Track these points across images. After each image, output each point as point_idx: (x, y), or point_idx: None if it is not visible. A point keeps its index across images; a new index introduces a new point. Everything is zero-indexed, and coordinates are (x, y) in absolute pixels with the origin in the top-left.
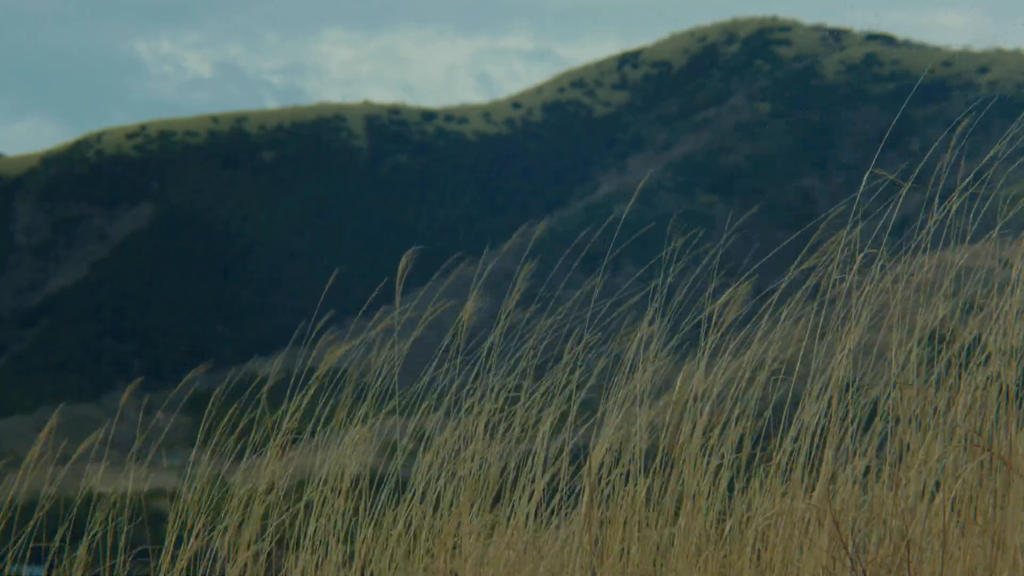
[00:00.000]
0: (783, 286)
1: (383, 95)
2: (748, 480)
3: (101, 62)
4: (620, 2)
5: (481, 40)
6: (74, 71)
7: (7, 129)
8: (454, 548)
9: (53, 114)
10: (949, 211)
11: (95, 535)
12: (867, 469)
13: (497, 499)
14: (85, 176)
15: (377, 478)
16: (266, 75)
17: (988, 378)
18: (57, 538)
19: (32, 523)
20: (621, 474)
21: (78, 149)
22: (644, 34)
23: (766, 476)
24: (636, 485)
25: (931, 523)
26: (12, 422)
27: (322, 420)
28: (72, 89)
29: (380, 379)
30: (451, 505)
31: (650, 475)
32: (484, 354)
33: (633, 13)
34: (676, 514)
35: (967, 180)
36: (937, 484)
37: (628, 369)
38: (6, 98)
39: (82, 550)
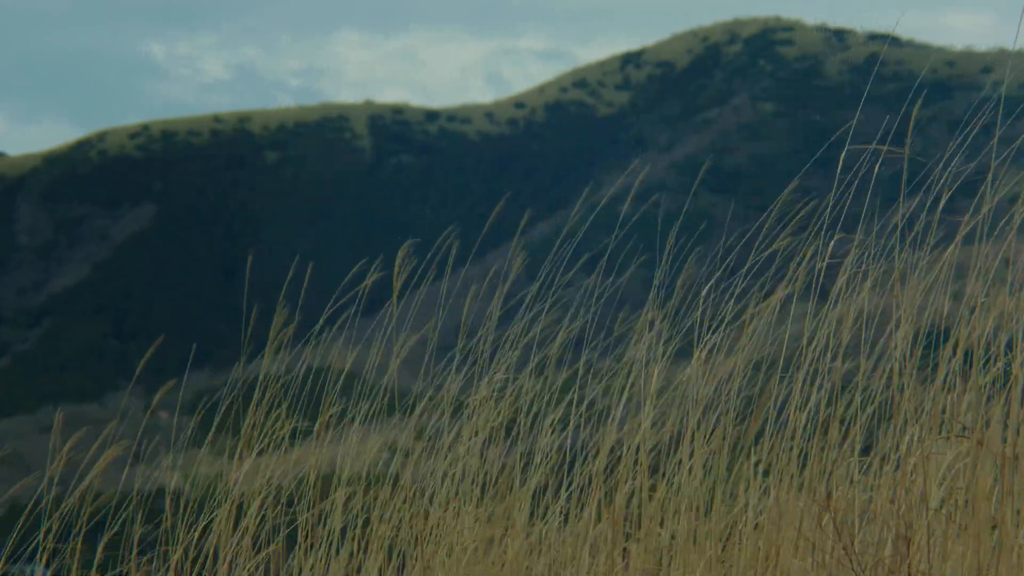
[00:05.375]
0: (783, 284)
1: (399, 97)
2: (748, 479)
3: (116, 64)
4: (630, 2)
5: (496, 41)
6: (88, 73)
7: (21, 131)
8: (454, 547)
9: (67, 116)
10: (946, 210)
11: (99, 535)
12: (867, 468)
13: (499, 497)
14: (88, 176)
15: (389, 478)
16: (283, 77)
17: (989, 376)
18: (43, 536)
19: (34, 522)
20: (624, 472)
21: (80, 149)
22: (652, 34)
23: (766, 475)
24: (640, 483)
25: (931, 521)
26: (14, 422)
27: (327, 419)
28: (86, 91)
29: (386, 378)
30: (449, 504)
31: (652, 474)
32: (484, 354)
33: (640, 13)
34: (677, 512)
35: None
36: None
37: (630, 368)
38: (20, 100)
39: (80, 549)
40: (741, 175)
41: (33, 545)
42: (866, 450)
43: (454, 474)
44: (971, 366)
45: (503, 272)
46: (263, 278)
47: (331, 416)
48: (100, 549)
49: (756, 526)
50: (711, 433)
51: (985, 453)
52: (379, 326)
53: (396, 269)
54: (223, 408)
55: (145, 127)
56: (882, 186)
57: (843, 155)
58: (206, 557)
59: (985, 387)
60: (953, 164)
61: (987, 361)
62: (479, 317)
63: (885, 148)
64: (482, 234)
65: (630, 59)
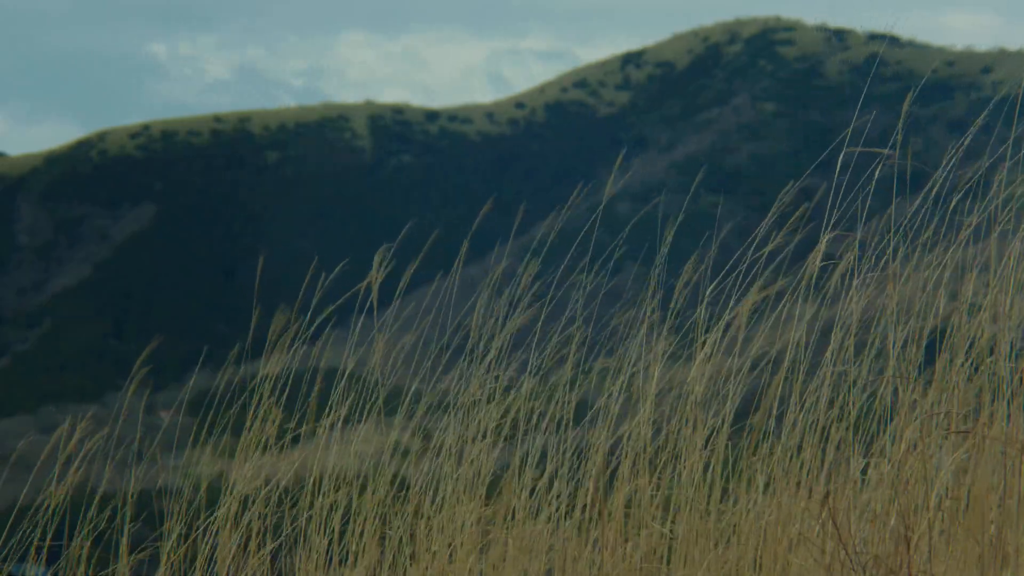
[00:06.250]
0: (780, 284)
1: (401, 97)
2: (747, 479)
3: (119, 65)
4: (630, 2)
5: (497, 42)
6: (91, 74)
7: (24, 131)
8: (450, 546)
9: (69, 117)
10: (949, 209)
11: (99, 534)
12: (867, 467)
13: (496, 496)
14: (88, 176)
15: (389, 478)
16: (285, 77)
17: (983, 373)
18: (40, 535)
19: (35, 522)
20: (624, 471)
21: (80, 149)
22: (652, 34)
23: (767, 475)
24: (637, 482)
25: (931, 521)
26: (15, 422)
27: (325, 419)
28: (89, 92)
29: (384, 378)
30: (449, 503)
31: (651, 473)
32: (483, 354)
33: (640, 13)
34: (677, 512)
35: (972, 179)
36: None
37: (629, 368)
38: (23, 100)
39: (78, 548)
40: (741, 175)
41: (29, 544)
42: (866, 450)
43: (458, 476)
44: (974, 366)
45: (499, 272)
46: (263, 277)
47: (330, 417)
48: (90, 549)
49: (758, 526)
50: (711, 433)
51: (984, 453)
52: (382, 326)
53: (373, 273)
54: (215, 407)
55: (145, 127)
56: (882, 186)
57: (841, 157)
58: (204, 557)
59: (983, 386)
60: (951, 166)
61: (981, 362)
62: (479, 317)
63: (891, 152)
64: (468, 236)
65: (630, 59)
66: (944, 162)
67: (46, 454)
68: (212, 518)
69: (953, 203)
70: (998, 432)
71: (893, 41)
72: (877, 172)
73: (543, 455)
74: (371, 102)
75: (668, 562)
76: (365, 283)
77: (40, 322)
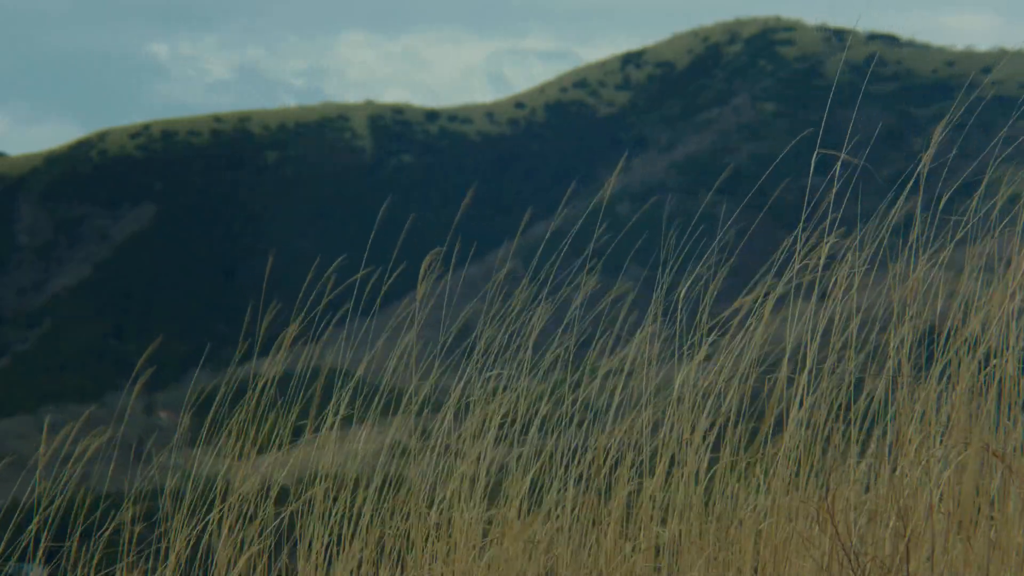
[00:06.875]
0: (781, 283)
1: (402, 97)
2: (746, 478)
3: (120, 65)
4: (630, 2)
5: (499, 42)
6: (92, 74)
7: (24, 131)
8: (451, 550)
9: (70, 117)
10: (946, 209)
11: (99, 535)
12: (868, 468)
13: (495, 496)
14: (88, 176)
15: (393, 478)
16: (286, 77)
17: (984, 375)
18: (37, 533)
19: (36, 523)
20: (627, 471)
21: (81, 149)
22: (652, 34)
23: (765, 475)
24: (640, 482)
25: (931, 522)
26: (15, 422)
27: (325, 418)
28: (90, 92)
29: (385, 378)
30: (450, 505)
31: (651, 473)
32: (482, 353)
33: (641, 13)
34: (677, 512)
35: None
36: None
37: (629, 368)
38: (24, 101)
39: (78, 548)
40: (741, 175)
41: (29, 543)
42: (864, 449)
43: (461, 474)
44: (979, 367)
45: (501, 272)
46: (263, 277)
47: (334, 417)
48: (98, 548)
49: (757, 528)
50: (710, 434)
51: (980, 455)
52: (380, 326)
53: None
54: (215, 407)
55: (145, 127)
56: (879, 186)
57: (814, 157)
58: (203, 556)
59: (977, 387)
60: (929, 160)
61: (981, 361)
62: (479, 317)
63: (849, 158)
64: (472, 240)
65: (630, 59)
66: (925, 160)
67: (47, 454)
68: (211, 518)
69: (951, 202)
70: (988, 432)
71: (893, 41)
72: (837, 167)
73: (543, 455)
74: (371, 102)
75: (668, 562)
76: (359, 276)
77: (40, 322)
